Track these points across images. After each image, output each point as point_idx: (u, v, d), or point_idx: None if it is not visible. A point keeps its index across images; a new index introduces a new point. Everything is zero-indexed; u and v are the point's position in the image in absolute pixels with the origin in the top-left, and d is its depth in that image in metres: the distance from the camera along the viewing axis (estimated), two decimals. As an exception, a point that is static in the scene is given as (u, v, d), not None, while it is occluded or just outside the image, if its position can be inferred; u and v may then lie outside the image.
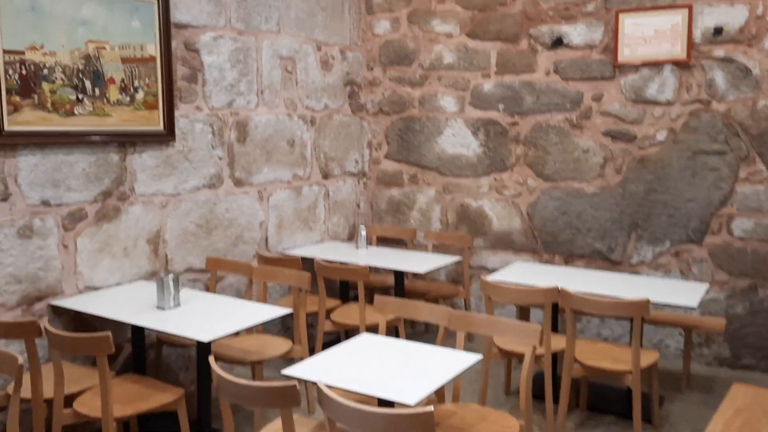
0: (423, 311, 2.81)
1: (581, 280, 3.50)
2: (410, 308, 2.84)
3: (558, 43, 4.30)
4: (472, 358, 2.39)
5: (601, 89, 4.20)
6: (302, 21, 4.38)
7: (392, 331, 3.78)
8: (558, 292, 3.08)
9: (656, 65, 4.02)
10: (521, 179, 4.51)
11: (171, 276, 3.00)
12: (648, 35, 4.01)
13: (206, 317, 2.90)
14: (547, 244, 4.46)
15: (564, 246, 4.40)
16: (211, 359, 2.15)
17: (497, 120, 4.55)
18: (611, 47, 4.13)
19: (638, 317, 2.91)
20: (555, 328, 3.53)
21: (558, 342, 3.30)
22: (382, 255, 4.26)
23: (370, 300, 3.87)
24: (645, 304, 2.87)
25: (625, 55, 4.09)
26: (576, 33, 4.24)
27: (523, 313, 3.95)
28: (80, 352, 2.50)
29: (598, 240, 4.28)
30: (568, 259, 4.40)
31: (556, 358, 3.42)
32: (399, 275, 4.06)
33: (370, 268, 3.75)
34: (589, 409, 3.48)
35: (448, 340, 2.84)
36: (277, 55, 4.22)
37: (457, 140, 4.69)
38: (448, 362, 2.36)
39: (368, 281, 4.57)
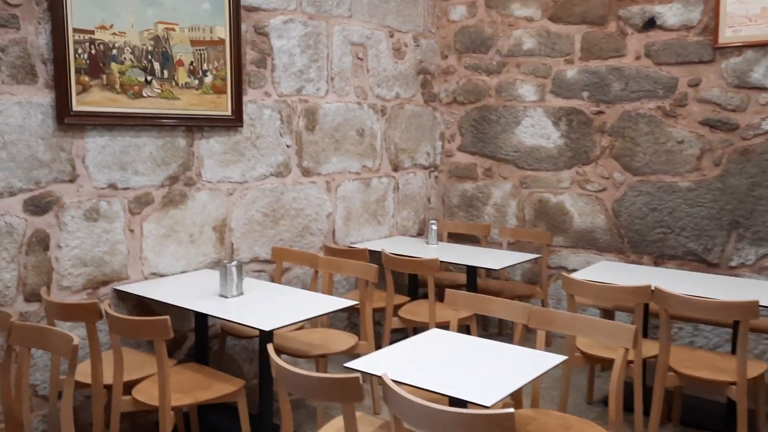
0: (498, 307, 2.57)
1: (674, 282, 3.16)
2: (484, 304, 2.62)
3: (650, 24, 3.96)
4: (554, 359, 2.14)
5: (698, 74, 3.83)
6: (375, 6, 4.22)
7: (463, 330, 3.55)
8: (651, 291, 2.78)
9: (763, 47, 3.63)
10: (606, 173, 4.18)
11: (234, 263, 2.89)
12: (754, 14, 3.63)
13: (269, 307, 2.77)
14: (634, 243, 4.12)
15: (654, 246, 4.04)
16: (270, 347, 1.99)
17: (581, 109, 4.24)
18: (711, 28, 3.76)
19: (746, 321, 2.57)
20: (645, 334, 3.21)
21: (649, 348, 2.99)
22: (453, 251, 4.04)
23: (440, 298, 3.64)
24: (754, 306, 2.54)
25: (726, 36, 3.71)
26: (671, 13, 3.89)
27: (608, 318, 3.63)
28: (138, 335, 2.41)
29: (692, 240, 3.91)
30: (658, 260, 4.04)
31: (645, 366, 3.10)
32: (471, 272, 3.83)
33: (440, 263, 3.54)
34: (682, 423, 3.15)
35: (525, 342, 2.58)
36: (348, 41, 4.07)
37: (537, 131, 4.41)
38: (527, 362, 2.12)
39: (439, 276, 4.36)
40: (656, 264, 4.03)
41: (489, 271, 4.52)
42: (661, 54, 3.94)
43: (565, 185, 4.34)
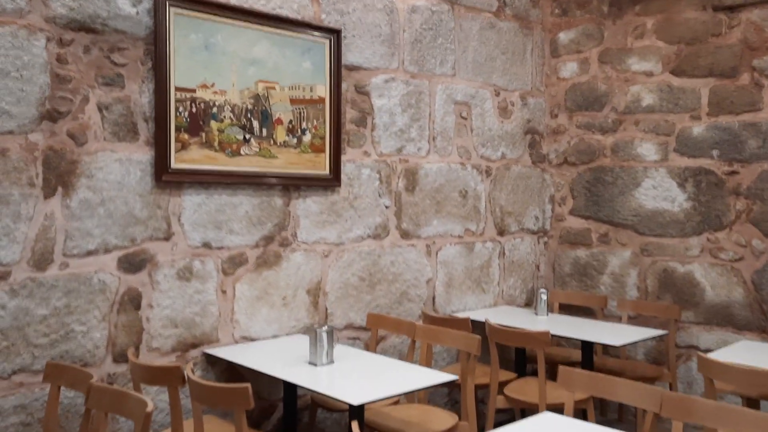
0: (623, 390, 2.20)
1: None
2: (606, 385, 2.24)
3: (791, 73, 3.53)
4: (699, 460, 1.74)
5: None
6: (480, 65, 4.07)
7: (578, 414, 3.13)
8: (814, 379, 2.30)
9: None
10: (744, 240, 3.69)
11: (325, 328, 2.69)
12: None
13: (361, 377, 2.54)
14: (780, 321, 3.56)
15: (805, 324, 3.47)
16: (354, 426, 1.75)
17: (710, 168, 3.81)
18: None
19: None
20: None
21: (812, 449, 2.46)
22: (566, 324, 3.66)
23: (551, 375, 3.26)
24: None
25: None
26: (816, 60, 3.46)
27: (752, 408, 3.09)
28: (218, 404, 2.23)
29: None
30: (812, 341, 3.45)
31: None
32: (587, 348, 3.42)
33: (552, 337, 3.18)
34: None
35: None
36: (451, 100, 3.92)
37: (659, 193, 4.00)
38: (664, 461, 1.74)
39: (549, 352, 3.96)
40: (811, 346, 3.44)
41: (606, 348, 4.07)
42: (806, 106, 3.49)
43: (694, 253, 3.87)
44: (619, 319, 4.03)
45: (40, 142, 2.49)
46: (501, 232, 4.22)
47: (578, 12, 4.36)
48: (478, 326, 3.49)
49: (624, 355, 4.02)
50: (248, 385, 2.10)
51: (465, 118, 4.00)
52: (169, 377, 2.35)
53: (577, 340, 3.41)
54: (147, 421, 1.89)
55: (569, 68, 4.40)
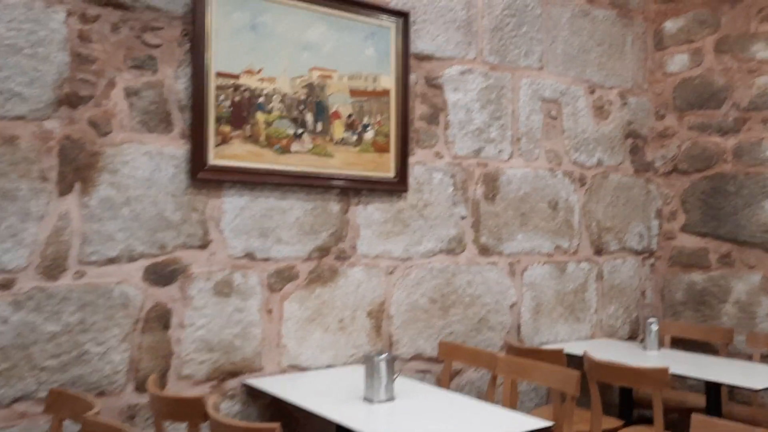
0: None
1: None
2: (764, 444, 1.62)
3: None
4: None
5: None
6: (571, 57, 3.53)
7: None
8: None
9: None
10: None
11: (384, 356, 2.19)
12: None
13: (426, 419, 2.01)
14: None
15: None
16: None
17: None
18: None
19: None
20: None
21: None
22: (684, 361, 2.99)
23: (666, 424, 2.60)
24: None
25: None
26: None
27: None
28: (242, 449, 1.76)
29: None
30: None
31: None
32: (713, 391, 2.75)
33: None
34: None
35: None
36: (537, 97, 3.39)
37: (797, 203, 3.29)
38: None
39: (668, 395, 3.30)
40: None
41: (732, 394, 3.35)
42: None
43: None
44: (748, 358, 3.30)
45: (56, 130, 2.15)
46: (598, 251, 3.60)
47: (687, -4, 3.75)
48: (573, 361, 2.89)
49: (756, 401, 3.28)
50: (277, 425, 1.62)
51: (554, 118, 3.46)
52: (188, 411, 1.91)
53: (699, 380, 2.74)
54: (139, 470, 1.44)
55: (678, 61, 3.77)
